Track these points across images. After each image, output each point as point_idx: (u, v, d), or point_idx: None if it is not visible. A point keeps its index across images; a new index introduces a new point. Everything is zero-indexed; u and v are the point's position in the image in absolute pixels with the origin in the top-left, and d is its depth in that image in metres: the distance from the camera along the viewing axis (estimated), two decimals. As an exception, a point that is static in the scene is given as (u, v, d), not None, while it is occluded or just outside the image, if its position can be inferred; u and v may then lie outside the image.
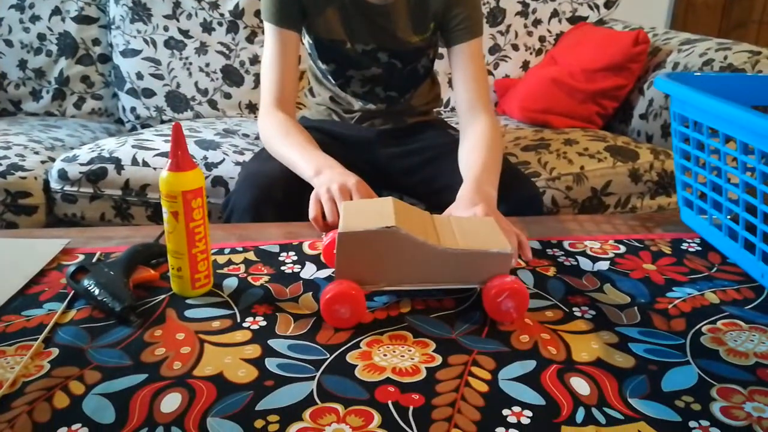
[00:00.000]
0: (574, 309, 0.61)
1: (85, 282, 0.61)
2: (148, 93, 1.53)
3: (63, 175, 1.10)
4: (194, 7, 1.53)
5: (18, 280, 0.64)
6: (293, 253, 0.72)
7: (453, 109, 1.65)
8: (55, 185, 1.11)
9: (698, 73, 0.87)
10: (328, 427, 0.44)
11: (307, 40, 1.05)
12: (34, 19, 1.55)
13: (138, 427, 0.44)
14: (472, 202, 0.75)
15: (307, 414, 0.46)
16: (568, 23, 1.67)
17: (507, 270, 0.60)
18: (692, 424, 0.45)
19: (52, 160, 1.17)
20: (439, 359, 0.53)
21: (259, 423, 0.45)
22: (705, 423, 0.46)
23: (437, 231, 0.62)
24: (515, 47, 1.66)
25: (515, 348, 0.54)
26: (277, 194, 0.89)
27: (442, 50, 1.06)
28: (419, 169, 1.06)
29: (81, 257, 0.70)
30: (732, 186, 0.67)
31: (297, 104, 1.21)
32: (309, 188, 0.81)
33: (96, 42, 1.58)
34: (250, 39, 1.55)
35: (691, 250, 0.75)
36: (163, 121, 1.55)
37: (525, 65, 1.66)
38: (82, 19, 1.57)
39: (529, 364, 0.52)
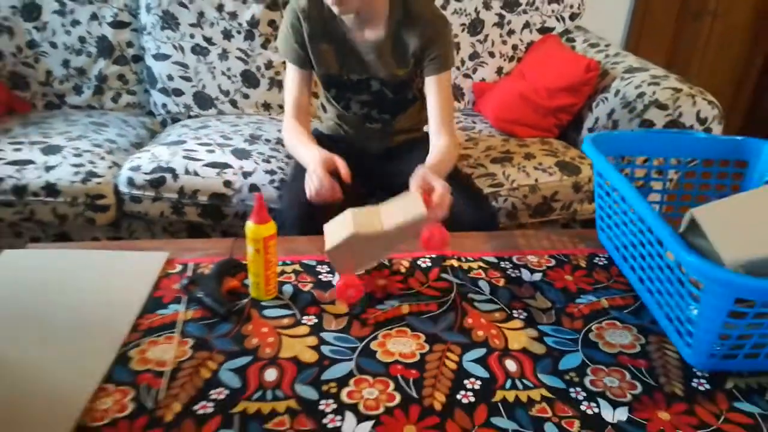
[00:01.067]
0: (513, 311, 0.94)
1: (196, 292, 0.92)
2: (178, 92, 1.79)
3: (131, 182, 1.38)
4: (216, 17, 1.76)
5: (145, 287, 0.95)
6: (326, 266, 1.03)
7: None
8: (124, 189, 1.39)
9: (614, 132, 1.18)
10: (365, 390, 0.77)
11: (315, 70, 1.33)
12: (75, 23, 1.76)
13: (255, 390, 0.77)
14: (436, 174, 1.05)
15: (351, 382, 0.79)
16: (538, 33, 1.94)
17: (423, 225, 0.93)
18: (571, 390, 0.79)
19: (117, 164, 1.45)
20: (427, 347, 0.85)
21: (325, 387, 0.78)
22: (578, 389, 0.79)
23: (381, 219, 0.92)
24: (491, 54, 1.93)
25: (473, 340, 0.87)
26: (315, 211, 1.20)
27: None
28: (405, 173, 1.37)
29: (179, 267, 1.01)
30: (623, 225, 1.00)
31: (313, 117, 1.49)
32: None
33: (129, 44, 1.81)
34: (265, 46, 1.79)
35: (599, 264, 1.08)
36: (190, 116, 1.80)
37: (499, 70, 1.94)
38: (117, 24, 1.79)
39: (481, 351, 0.85)
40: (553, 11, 1.93)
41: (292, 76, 1.29)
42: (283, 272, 1.01)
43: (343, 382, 0.78)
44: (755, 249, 0.75)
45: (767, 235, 0.76)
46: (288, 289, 0.97)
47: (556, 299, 0.97)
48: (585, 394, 0.79)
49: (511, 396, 0.78)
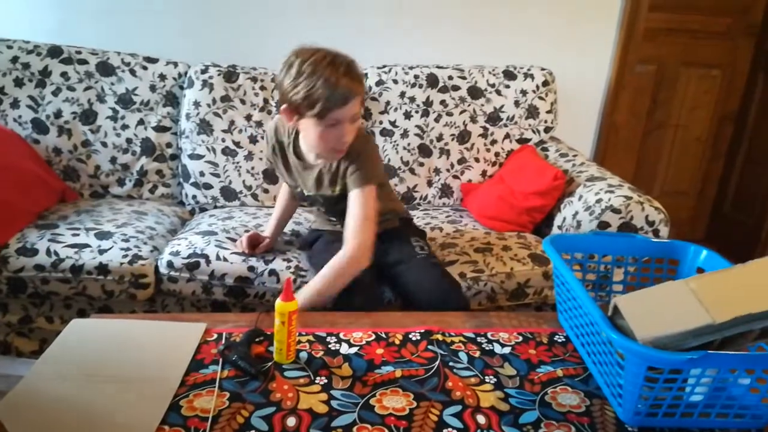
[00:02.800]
0: (485, 377, 1.16)
1: (231, 355, 1.15)
2: (207, 186, 2.07)
3: (170, 265, 1.64)
4: (244, 125, 2.08)
5: (189, 351, 1.18)
6: (334, 338, 1.27)
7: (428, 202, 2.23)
8: (163, 270, 1.64)
9: (569, 234, 1.46)
10: (364, 435, 0.99)
11: None
12: (124, 127, 2.08)
13: (279, 432, 0.99)
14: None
15: (354, 429, 1.00)
16: (517, 143, 2.26)
17: None
18: (528, 438, 1.01)
19: (157, 249, 1.71)
20: (415, 403, 1.07)
21: (333, 432, 1.00)
22: (534, 438, 1.01)
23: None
24: (477, 159, 2.24)
25: (452, 399, 1.09)
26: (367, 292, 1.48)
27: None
28: (388, 254, 1.62)
29: (215, 335, 1.24)
30: (573, 309, 1.24)
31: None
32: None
33: (168, 145, 2.11)
34: (284, 149, 2.11)
35: (558, 341, 1.31)
36: (216, 207, 2.09)
37: (484, 173, 2.24)
38: (160, 129, 2.10)
39: (458, 407, 1.07)
40: (529, 125, 2.27)
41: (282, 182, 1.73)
42: (299, 341, 1.24)
43: (348, 429, 1.00)
44: (660, 328, 0.99)
45: (669, 318, 1.00)
46: (304, 355, 1.19)
47: (520, 368, 1.20)
48: (538, 443, 1.01)
49: (479, 442, 0.99)
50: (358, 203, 1.46)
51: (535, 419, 1.05)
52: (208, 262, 1.64)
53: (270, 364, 1.16)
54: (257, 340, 1.22)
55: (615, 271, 1.40)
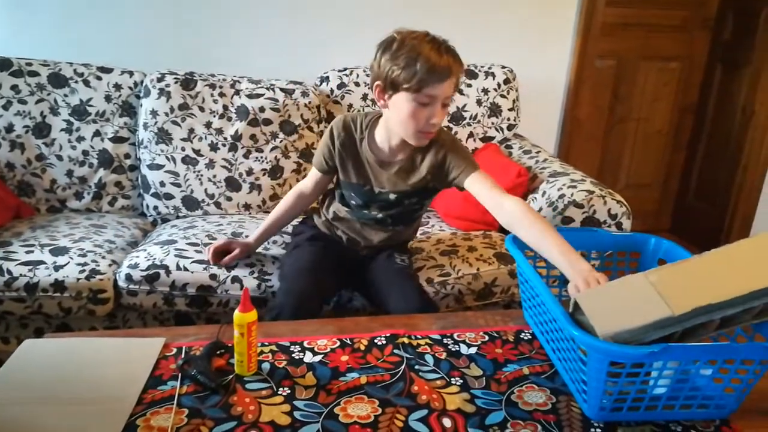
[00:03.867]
0: (451, 379, 1.15)
1: (190, 370, 1.12)
2: (168, 196, 2.03)
3: (129, 278, 1.59)
4: (204, 133, 2.04)
5: (146, 367, 1.14)
6: (298, 346, 1.24)
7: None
8: (122, 284, 1.60)
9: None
10: (328, 445, 0.97)
11: (341, 179, 1.58)
12: (80, 139, 2.02)
13: (240, 447, 0.96)
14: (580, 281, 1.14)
15: (317, 439, 0.98)
16: (481, 141, 2.27)
17: None
18: (494, 439, 1.00)
19: (116, 263, 1.66)
20: (380, 410, 1.06)
21: (296, 444, 0.97)
22: (501, 439, 1.01)
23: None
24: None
25: (418, 403, 1.07)
26: (311, 304, 1.45)
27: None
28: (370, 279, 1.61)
29: (174, 350, 1.20)
30: (537, 307, 1.24)
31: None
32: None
33: (127, 156, 2.06)
34: (246, 156, 2.06)
35: (524, 338, 1.31)
36: (178, 217, 2.04)
37: (450, 173, 2.25)
38: (117, 139, 2.05)
39: (424, 412, 1.05)
40: (492, 123, 2.27)
41: (312, 175, 1.62)
42: (261, 352, 1.21)
43: (311, 439, 0.98)
44: (620, 323, 0.99)
45: (629, 312, 1.00)
46: (266, 366, 1.17)
47: (486, 368, 1.19)
48: (504, 443, 1.00)
49: (444, 446, 0.98)
50: (483, 182, 1.42)
51: (502, 420, 1.04)
52: (168, 272, 1.60)
53: (231, 377, 1.13)
54: (218, 352, 1.19)
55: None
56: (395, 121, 1.43)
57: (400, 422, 1.02)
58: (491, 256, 1.75)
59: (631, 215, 1.74)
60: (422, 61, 1.32)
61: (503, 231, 1.95)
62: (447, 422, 1.03)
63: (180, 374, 1.12)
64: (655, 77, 2.95)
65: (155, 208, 2.04)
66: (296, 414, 1.03)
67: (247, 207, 2.08)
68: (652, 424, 1.04)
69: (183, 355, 1.18)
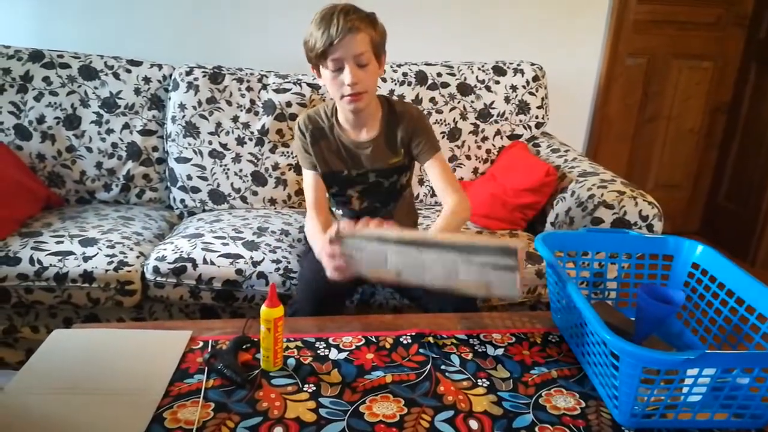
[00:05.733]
0: (478, 380, 1.14)
1: (216, 364, 1.12)
2: (195, 190, 2.04)
3: (156, 270, 1.61)
4: (231, 127, 2.05)
5: (173, 360, 1.15)
6: (323, 343, 1.24)
7: (433, 204, 2.21)
8: (149, 276, 1.61)
9: (562, 231, 1.43)
10: (354, 444, 0.96)
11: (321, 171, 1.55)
12: (109, 131, 2.05)
13: (265, 443, 0.96)
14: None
15: (343, 437, 0.98)
16: (508, 139, 2.24)
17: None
18: (522, 443, 0.99)
19: (143, 255, 1.68)
20: (405, 410, 1.04)
21: (321, 442, 0.97)
22: (529, 443, 0.99)
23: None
24: (468, 157, 2.21)
25: (444, 404, 1.06)
26: (330, 305, 1.44)
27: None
28: None
29: (201, 343, 1.21)
30: (567, 309, 1.21)
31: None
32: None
33: (155, 149, 2.08)
34: (273, 151, 2.07)
35: (552, 341, 1.28)
36: (204, 210, 2.06)
37: (475, 170, 2.22)
38: (145, 132, 2.07)
39: (450, 413, 1.04)
40: (520, 121, 2.24)
41: (308, 179, 1.55)
42: (287, 348, 1.21)
43: (336, 438, 0.97)
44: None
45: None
46: (291, 362, 1.17)
47: (514, 370, 1.17)
48: (532, 447, 0.98)
49: (471, 448, 0.97)
50: (439, 167, 1.50)
51: (529, 423, 1.03)
52: (194, 266, 1.61)
53: (257, 372, 1.13)
54: (244, 347, 1.19)
55: (609, 268, 1.38)
56: (330, 93, 1.45)
57: (426, 423, 1.01)
58: (518, 255, 1.72)
59: (663, 217, 1.70)
60: (314, 30, 1.36)
61: (530, 230, 1.93)
62: (474, 424, 1.02)
63: (207, 368, 1.13)
64: (687, 76, 2.89)
65: (182, 201, 2.06)
66: (322, 411, 1.03)
67: (272, 202, 2.08)
68: (684, 432, 1.02)
69: (209, 349, 1.18)
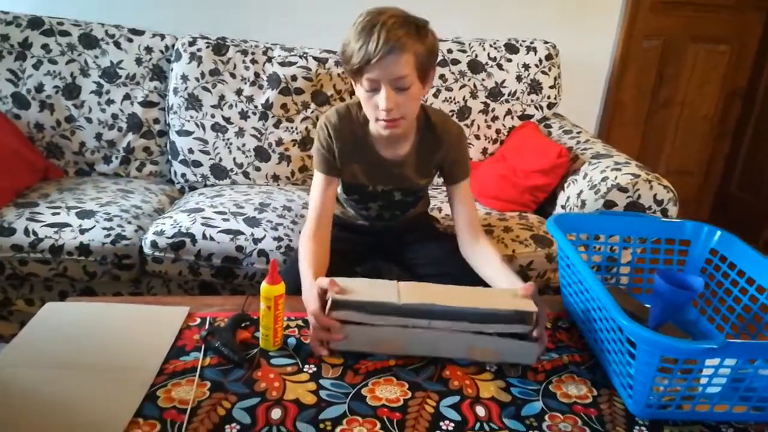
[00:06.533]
0: (485, 365, 1.09)
1: (213, 342, 1.07)
2: (197, 164, 1.99)
3: (154, 245, 1.56)
4: (235, 100, 1.99)
5: (169, 337, 1.10)
6: (326, 322, 1.19)
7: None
8: (147, 251, 1.57)
9: (574, 213, 1.38)
10: (355, 428, 0.92)
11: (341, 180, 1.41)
12: (109, 102, 1.99)
13: (262, 426, 0.91)
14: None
15: (344, 421, 0.93)
16: (519, 119, 2.17)
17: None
18: (530, 432, 0.94)
19: (142, 228, 1.63)
20: (409, 394, 1.00)
21: (321, 425, 0.92)
22: None
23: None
24: (477, 137, 2.15)
25: (450, 388, 1.02)
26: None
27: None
28: (407, 247, 1.53)
29: (198, 320, 1.16)
30: (580, 294, 1.17)
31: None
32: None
33: (156, 121, 2.02)
34: (277, 125, 2.01)
35: (563, 326, 1.24)
36: (206, 185, 2.00)
37: (485, 151, 2.16)
38: (147, 104, 2.01)
39: (456, 398, 1.00)
40: (532, 101, 2.18)
41: (319, 183, 1.34)
42: (288, 326, 1.16)
43: (337, 421, 0.93)
44: (354, 297, 1.07)
45: (365, 293, 1.09)
46: (292, 341, 1.12)
47: (522, 356, 1.13)
48: (542, 437, 0.94)
49: (478, 436, 0.93)
50: (470, 194, 1.39)
51: (539, 411, 0.98)
52: (194, 241, 1.56)
53: (256, 351, 1.09)
54: (243, 325, 1.15)
55: (622, 253, 1.33)
56: (364, 110, 1.29)
57: (431, 408, 0.97)
58: (528, 238, 1.68)
59: (678, 202, 1.65)
60: (352, 40, 1.18)
61: (540, 213, 1.87)
62: (480, 410, 0.97)
63: (203, 345, 1.08)
64: (704, 60, 2.80)
65: (183, 175, 2.01)
66: (322, 393, 0.99)
67: (275, 178, 2.03)
68: (701, 424, 0.98)
69: (207, 326, 1.14)
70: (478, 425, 0.94)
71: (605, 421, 0.97)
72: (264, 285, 1.06)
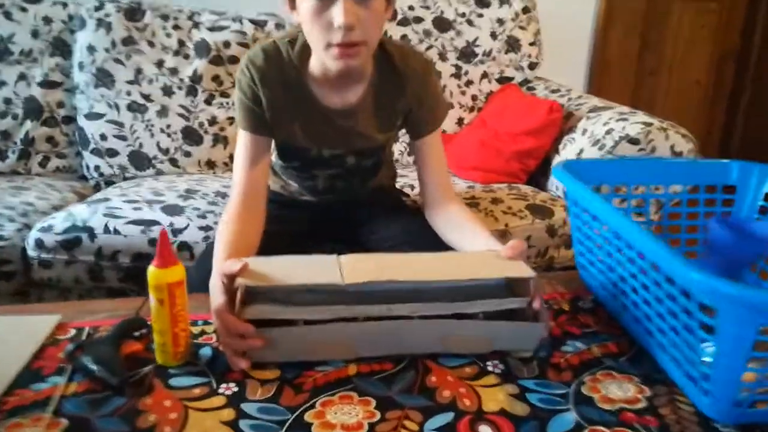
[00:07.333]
0: (487, 364, 0.76)
1: (83, 359, 0.72)
2: (112, 153, 1.64)
3: (40, 244, 1.20)
4: (155, 74, 1.65)
5: (22, 356, 0.75)
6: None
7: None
8: (32, 253, 1.21)
9: (587, 159, 1.07)
10: (292, 477, 0.58)
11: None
12: (0, 84, 1.64)
13: (141, 484, 0.57)
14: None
15: (275, 466, 0.59)
16: (497, 83, 1.87)
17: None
18: (567, 458, 0.61)
19: (28, 227, 1.27)
20: (378, 415, 0.66)
21: (237, 476, 0.58)
22: (577, 457, 0.61)
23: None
24: (450, 105, 1.84)
25: (438, 402, 0.69)
26: None
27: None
28: (366, 225, 1.20)
29: (73, 331, 0.81)
30: (609, 259, 0.84)
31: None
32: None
33: (60, 104, 1.68)
34: (209, 101, 1.68)
35: (584, 307, 0.92)
36: (125, 178, 1.65)
37: (460, 121, 1.85)
38: (47, 84, 1.67)
39: (448, 416, 0.66)
40: (510, 60, 1.88)
41: (244, 145, 1.02)
42: (203, 332, 0.82)
43: (264, 466, 0.59)
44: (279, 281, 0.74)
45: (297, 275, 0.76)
46: (206, 352, 0.77)
47: (538, 348, 0.80)
48: (585, 464, 0.60)
49: (488, 473, 0.59)
50: (439, 152, 1.08)
51: (573, 425, 0.65)
52: (92, 236, 1.20)
53: (148, 368, 0.73)
54: (136, 334, 0.80)
55: (651, 208, 1.01)
56: (308, 38, 0.96)
57: (412, 433, 0.63)
58: (522, 209, 1.36)
59: (699, 152, 1.35)
60: None
61: (532, 184, 1.56)
62: (485, 431, 0.64)
63: (71, 366, 0.73)
64: (691, 19, 2.56)
65: (96, 168, 1.65)
66: (242, 424, 0.64)
67: (210, 165, 1.69)
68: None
69: (83, 338, 0.79)
70: (485, 455, 0.61)
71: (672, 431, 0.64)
72: (151, 269, 0.71)
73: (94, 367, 0.71)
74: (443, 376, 0.73)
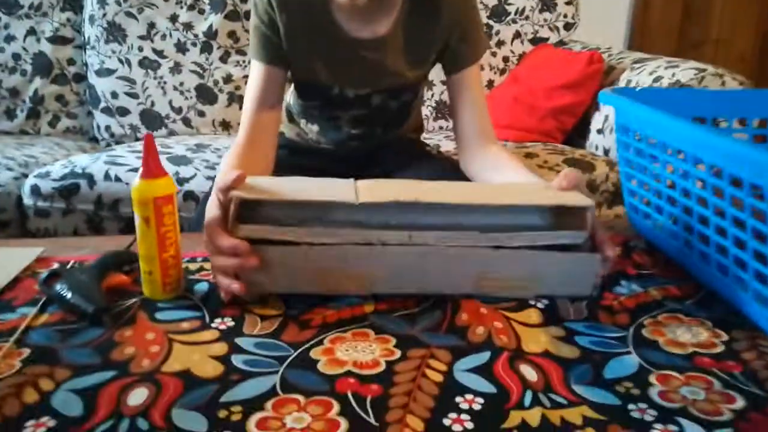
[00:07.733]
0: (528, 300, 0.65)
1: (58, 286, 0.63)
2: (123, 111, 1.57)
3: (36, 191, 1.13)
4: (168, 28, 1.58)
5: (-9, 288, 0.66)
6: (261, 259, 0.74)
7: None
8: (27, 201, 1.14)
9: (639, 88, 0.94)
10: (289, 416, 0.47)
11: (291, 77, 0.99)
12: (9, 39, 1.59)
13: (104, 419, 0.46)
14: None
15: (269, 404, 0.48)
16: (530, 44, 1.75)
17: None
18: (631, 406, 0.49)
19: (25, 176, 1.19)
20: (398, 353, 0.55)
21: (222, 413, 0.47)
22: (643, 405, 0.49)
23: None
24: (480, 67, 1.71)
25: (471, 341, 0.57)
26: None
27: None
28: (390, 174, 1.08)
29: (55, 265, 0.72)
30: (671, 191, 0.72)
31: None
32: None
33: (71, 62, 1.62)
34: (224, 59, 1.61)
35: (638, 247, 0.79)
36: (137, 139, 1.58)
37: (490, 84, 1.74)
38: (57, 40, 1.62)
39: (483, 356, 0.55)
40: (545, 20, 1.76)
41: (258, 79, 0.92)
42: (201, 268, 0.72)
43: (254, 404, 0.48)
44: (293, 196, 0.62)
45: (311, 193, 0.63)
46: (202, 287, 0.67)
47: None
48: (655, 413, 0.48)
49: (534, 418, 0.47)
50: (479, 88, 0.98)
51: (637, 369, 0.53)
52: (91, 183, 1.13)
53: (134, 301, 0.64)
54: (125, 269, 0.70)
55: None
56: None
57: (438, 374, 0.52)
58: (560, 163, 1.23)
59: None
60: None
61: (570, 143, 1.44)
62: (530, 373, 0.52)
63: (45, 297, 0.64)
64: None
65: (107, 128, 1.58)
66: (235, 359, 0.54)
67: (225, 125, 1.61)
68: None
69: (62, 269, 0.69)
70: (529, 398, 0.49)
71: (761, 378, 0.52)
72: (136, 182, 0.61)
73: (68, 294, 0.61)
74: (475, 309, 0.62)
